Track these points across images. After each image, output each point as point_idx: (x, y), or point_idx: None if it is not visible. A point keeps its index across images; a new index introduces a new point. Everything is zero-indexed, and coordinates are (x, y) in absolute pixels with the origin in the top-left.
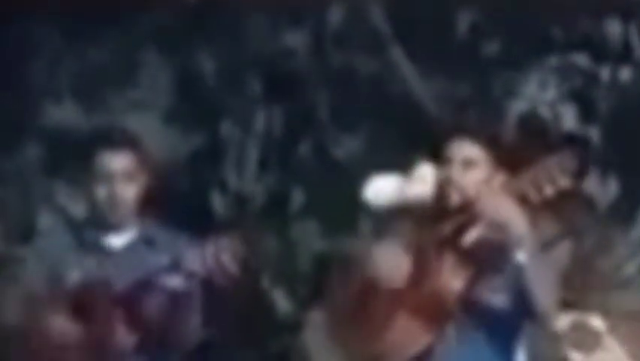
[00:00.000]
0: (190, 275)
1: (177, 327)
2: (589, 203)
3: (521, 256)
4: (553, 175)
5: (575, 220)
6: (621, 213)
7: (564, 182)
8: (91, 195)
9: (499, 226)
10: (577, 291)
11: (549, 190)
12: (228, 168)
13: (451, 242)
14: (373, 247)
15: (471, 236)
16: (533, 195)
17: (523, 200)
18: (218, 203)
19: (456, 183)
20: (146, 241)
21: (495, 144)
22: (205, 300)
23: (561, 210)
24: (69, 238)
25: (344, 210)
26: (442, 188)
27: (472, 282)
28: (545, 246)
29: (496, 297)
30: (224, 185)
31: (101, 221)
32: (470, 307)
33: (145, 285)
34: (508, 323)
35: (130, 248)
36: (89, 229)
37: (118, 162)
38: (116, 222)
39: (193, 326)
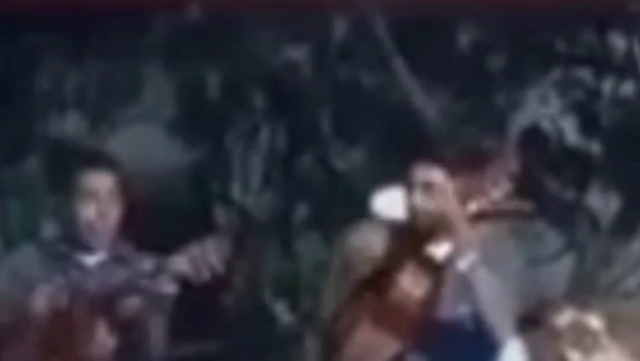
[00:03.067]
0: (176, 277)
1: (159, 333)
2: (591, 216)
3: (462, 265)
4: (497, 180)
5: (577, 234)
6: (623, 226)
7: (506, 186)
8: (73, 212)
9: (447, 228)
10: (577, 303)
11: (495, 194)
12: (232, 181)
13: (413, 252)
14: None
15: (443, 250)
16: (481, 201)
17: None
18: (221, 216)
19: (418, 208)
20: (117, 262)
21: (457, 167)
22: (202, 310)
23: (564, 223)
24: (40, 255)
25: (347, 222)
26: (410, 212)
27: (434, 291)
28: (548, 259)
29: (462, 307)
30: (228, 198)
31: (75, 239)
32: (435, 317)
33: (125, 289)
34: (477, 334)
35: (103, 265)
36: (61, 245)
37: (102, 182)
38: (91, 242)
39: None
